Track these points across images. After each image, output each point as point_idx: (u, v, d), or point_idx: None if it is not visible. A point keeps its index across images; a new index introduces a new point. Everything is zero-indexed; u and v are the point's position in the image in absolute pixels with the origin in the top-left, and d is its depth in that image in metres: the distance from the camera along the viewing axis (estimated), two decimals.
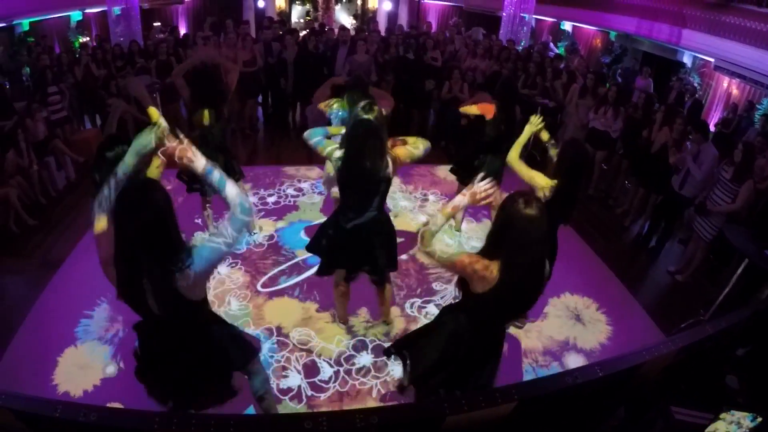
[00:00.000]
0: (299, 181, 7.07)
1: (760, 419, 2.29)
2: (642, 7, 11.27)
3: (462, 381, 2.80)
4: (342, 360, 4.06)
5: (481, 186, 2.44)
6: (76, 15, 12.86)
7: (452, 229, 5.85)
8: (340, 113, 4.78)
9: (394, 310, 4.55)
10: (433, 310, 4.63)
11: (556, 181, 3.56)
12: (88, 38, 12.77)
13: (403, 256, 5.27)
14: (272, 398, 3.21)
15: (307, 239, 5.55)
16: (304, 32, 10.49)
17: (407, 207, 6.44)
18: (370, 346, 4.21)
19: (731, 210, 4.97)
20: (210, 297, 3.79)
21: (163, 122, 2.64)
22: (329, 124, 4.92)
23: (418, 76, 8.49)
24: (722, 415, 2.33)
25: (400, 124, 8.68)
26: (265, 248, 5.48)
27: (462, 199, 2.49)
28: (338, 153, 3.32)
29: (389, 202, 5.72)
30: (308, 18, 17.65)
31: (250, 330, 4.29)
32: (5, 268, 5.26)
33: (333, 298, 4.46)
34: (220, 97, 4.85)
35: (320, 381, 3.86)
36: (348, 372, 3.96)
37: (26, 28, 11.43)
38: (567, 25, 14.31)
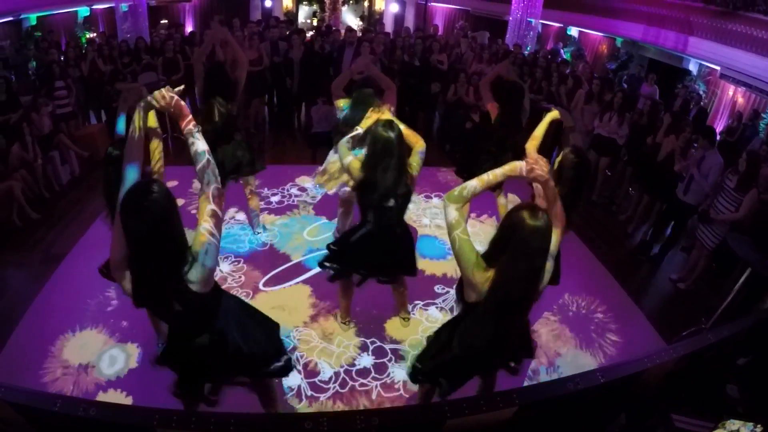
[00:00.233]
0: (303, 180, 7.06)
1: (760, 429, 2.28)
2: (649, 13, 11.28)
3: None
4: (342, 361, 4.06)
5: (532, 156, 2.36)
6: (83, 11, 12.91)
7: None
8: (344, 110, 4.80)
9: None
10: (434, 313, 4.63)
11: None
12: (95, 34, 12.81)
13: None
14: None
15: (310, 239, 5.62)
16: (311, 33, 10.51)
17: (411, 209, 6.42)
18: (371, 348, 4.20)
19: (735, 219, 4.96)
20: None
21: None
22: (336, 122, 4.93)
23: (424, 79, 8.49)
24: (722, 424, 2.32)
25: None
26: (269, 247, 5.47)
27: (510, 168, 2.40)
28: (362, 173, 3.42)
29: None
30: (315, 18, 17.70)
31: None
32: (7, 262, 5.27)
33: (335, 298, 4.47)
34: (231, 91, 4.88)
35: (320, 381, 3.86)
36: (348, 373, 3.95)
37: (34, 22, 11.48)
38: (573, 31, 14.32)
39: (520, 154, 4.75)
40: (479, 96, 8.18)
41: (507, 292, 2.37)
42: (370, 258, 3.73)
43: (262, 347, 2.69)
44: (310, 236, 5.71)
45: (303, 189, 6.83)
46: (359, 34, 9.91)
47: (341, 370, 3.97)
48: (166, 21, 14.24)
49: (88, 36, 12.53)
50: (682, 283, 5.50)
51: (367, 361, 4.08)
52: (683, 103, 8.97)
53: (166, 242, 2.09)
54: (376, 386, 3.86)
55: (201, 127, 2.36)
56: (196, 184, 5.90)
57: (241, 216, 5.93)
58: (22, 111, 6.67)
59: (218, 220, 2.23)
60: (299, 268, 5.15)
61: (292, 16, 16.58)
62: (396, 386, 3.86)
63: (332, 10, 15.90)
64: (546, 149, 3.91)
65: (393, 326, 4.44)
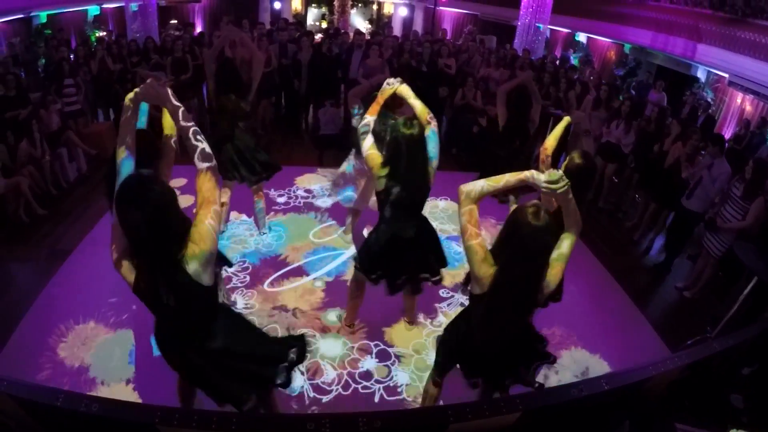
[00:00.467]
0: (309, 182, 7.07)
1: None
2: (657, 20, 11.27)
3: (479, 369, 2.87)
4: (346, 363, 4.05)
5: (553, 176, 2.34)
6: (93, 9, 13.01)
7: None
8: (356, 113, 4.81)
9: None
10: (438, 317, 4.62)
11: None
12: (104, 33, 12.88)
13: None
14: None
15: (316, 240, 5.62)
16: (319, 35, 10.54)
17: None
18: (375, 351, 4.19)
19: (741, 227, 4.92)
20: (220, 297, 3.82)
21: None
22: (347, 125, 4.98)
23: (432, 83, 8.50)
24: None
25: None
26: (274, 248, 5.48)
27: (524, 176, 2.38)
28: (383, 171, 3.41)
29: None
30: (324, 21, 17.75)
31: None
32: (13, 256, 5.30)
33: (340, 300, 4.46)
34: (244, 90, 4.89)
35: (323, 383, 3.85)
36: (351, 375, 3.94)
37: (44, 20, 11.57)
38: (582, 37, 14.31)
39: (528, 160, 4.77)
40: (487, 100, 8.20)
41: (507, 290, 2.41)
42: (402, 256, 3.67)
43: (257, 362, 2.65)
44: (316, 238, 5.70)
45: (309, 191, 6.83)
46: (368, 37, 9.93)
47: (344, 372, 3.96)
48: (175, 21, 14.32)
49: (97, 35, 12.61)
50: (687, 292, 5.47)
51: (370, 364, 4.06)
52: (691, 110, 8.95)
53: (163, 233, 2.09)
54: (379, 389, 3.85)
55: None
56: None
57: (247, 216, 5.94)
58: (31, 108, 6.71)
59: (218, 216, 2.24)
60: (304, 270, 5.14)
61: (300, 18, 16.64)
62: (399, 389, 3.85)
63: (341, 12, 15.94)
64: (555, 153, 3.90)
65: (397, 329, 4.43)
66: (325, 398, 3.73)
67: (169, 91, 2.32)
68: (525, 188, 4.61)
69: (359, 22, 18.46)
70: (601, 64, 13.55)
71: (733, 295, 4.87)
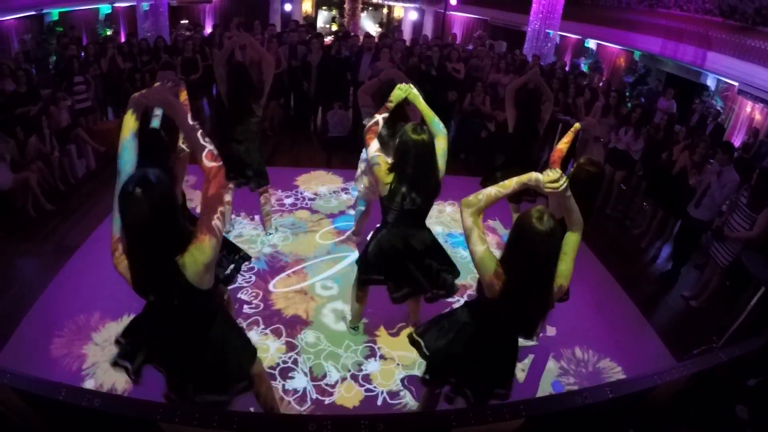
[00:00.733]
0: (316, 184, 7.07)
1: None
2: (667, 27, 11.23)
3: (471, 378, 2.85)
4: (350, 365, 4.04)
5: (551, 174, 2.36)
6: (105, 8, 13.10)
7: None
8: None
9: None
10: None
11: None
12: (112, 30, 12.98)
13: None
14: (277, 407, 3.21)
15: (323, 242, 5.62)
16: (329, 37, 10.57)
17: None
18: (379, 353, 4.18)
19: (748, 237, 4.89)
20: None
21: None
22: (355, 128, 4.99)
23: (440, 87, 8.49)
24: None
25: None
26: (280, 249, 5.48)
27: (527, 178, 2.39)
28: (389, 177, 3.38)
29: None
30: (334, 23, 17.80)
31: (259, 328, 4.31)
32: (20, 251, 5.33)
33: (345, 302, 4.46)
34: (256, 93, 4.93)
35: (326, 384, 3.84)
36: (355, 377, 3.93)
37: (55, 17, 11.66)
38: (591, 43, 14.28)
39: (535, 164, 4.75)
40: (496, 105, 8.19)
41: (518, 297, 2.41)
42: (405, 265, 3.64)
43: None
44: (323, 239, 5.70)
45: (317, 192, 6.84)
46: (376, 40, 9.95)
47: (348, 374, 3.95)
48: (186, 21, 14.40)
49: (108, 33, 12.71)
50: (694, 301, 5.43)
51: (374, 366, 4.05)
52: (700, 118, 8.90)
53: (164, 229, 2.09)
54: (382, 392, 3.83)
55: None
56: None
57: (254, 217, 5.95)
58: (41, 104, 6.76)
59: (224, 219, 2.23)
60: (310, 271, 5.14)
61: (311, 21, 16.69)
62: (402, 393, 3.83)
63: (351, 16, 15.99)
64: (563, 160, 3.89)
65: (402, 332, 4.41)
66: (327, 400, 3.72)
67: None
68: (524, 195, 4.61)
69: (369, 25, 18.51)
70: (610, 71, 13.52)
71: (740, 305, 4.84)
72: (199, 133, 2.27)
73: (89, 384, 3.66)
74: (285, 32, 9.88)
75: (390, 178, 3.38)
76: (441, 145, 3.40)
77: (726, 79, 10.18)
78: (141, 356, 2.60)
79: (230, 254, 3.64)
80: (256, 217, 5.91)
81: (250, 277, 4.96)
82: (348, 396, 3.77)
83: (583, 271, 4.43)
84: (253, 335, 4.17)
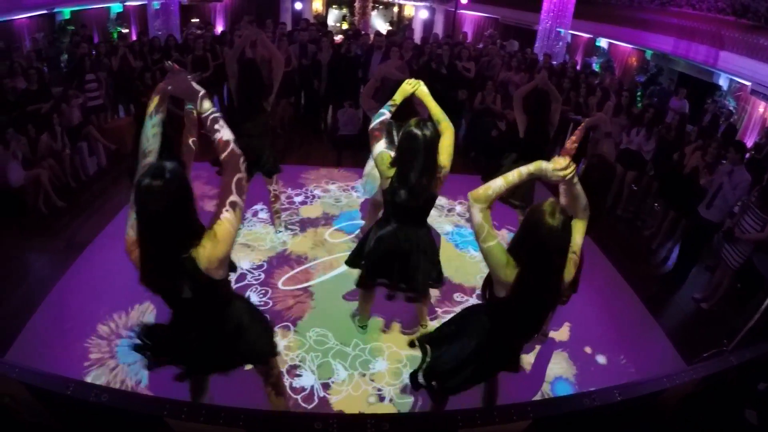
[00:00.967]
0: (326, 182, 7.08)
1: None
2: (679, 26, 11.13)
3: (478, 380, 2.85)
4: (357, 364, 4.04)
5: (560, 162, 2.35)
6: (116, 7, 13.18)
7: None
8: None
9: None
10: None
11: None
12: (126, 30, 13.06)
13: None
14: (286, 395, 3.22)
15: (332, 240, 5.63)
16: (339, 36, 10.56)
17: (433, 215, 6.36)
18: (387, 353, 4.17)
19: (759, 239, 4.83)
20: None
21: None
22: (365, 126, 4.97)
23: (451, 86, 8.47)
24: None
25: None
26: (289, 247, 5.49)
27: (535, 167, 2.38)
28: (391, 171, 3.36)
29: None
30: (344, 22, 17.80)
31: None
32: (31, 247, 5.39)
33: (354, 301, 4.46)
34: (266, 90, 4.95)
35: (333, 383, 3.84)
36: (362, 376, 3.93)
37: (67, 16, 11.76)
38: (603, 42, 14.18)
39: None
40: (506, 104, 8.15)
41: (530, 291, 2.41)
42: (392, 262, 3.63)
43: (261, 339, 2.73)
44: (332, 238, 5.71)
45: (326, 191, 6.84)
46: (379, 36, 9.90)
47: (356, 373, 3.95)
48: (197, 20, 14.46)
49: (119, 31, 12.79)
50: (705, 303, 5.38)
51: (382, 365, 4.05)
52: (712, 118, 8.81)
53: (179, 221, 2.09)
54: (390, 391, 3.83)
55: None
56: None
57: (264, 215, 5.96)
58: (53, 102, 6.81)
59: (239, 211, 2.23)
60: (319, 269, 5.15)
61: (322, 20, 16.71)
62: (410, 392, 3.82)
63: (362, 14, 15.97)
64: (575, 157, 3.87)
65: (412, 332, 4.39)
66: (334, 398, 3.72)
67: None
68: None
69: (379, 24, 18.49)
70: (622, 70, 13.43)
71: (752, 307, 4.78)
72: (216, 116, 2.30)
73: (97, 379, 3.69)
74: (296, 31, 9.89)
75: (392, 172, 3.36)
76: (447, 142, 3.35)
77: (739, 79, 10.07)
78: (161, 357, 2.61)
79: None
80: (266, 214, 5.93)
81: (259, 275, 4.97)
82: (355, 395, 3.77)
83: (593, 271, 4.40)
84: None
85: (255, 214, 6.00)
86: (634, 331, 4.82)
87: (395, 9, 19.26)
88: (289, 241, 5.58)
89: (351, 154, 7.92)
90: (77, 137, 6.91)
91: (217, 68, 8.78)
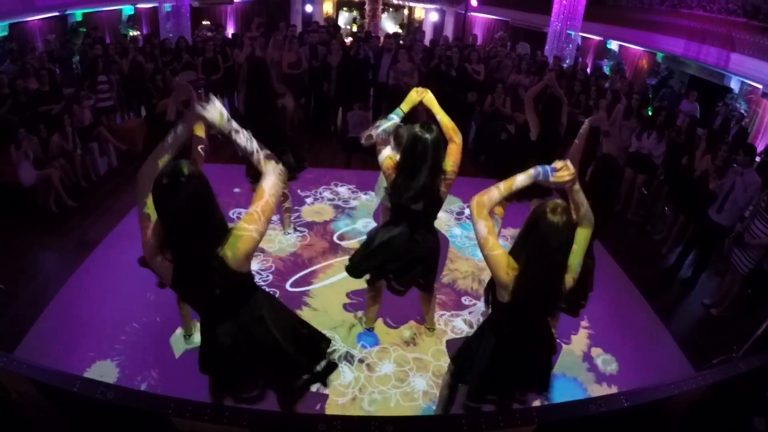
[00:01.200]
0: (336, 184, 7.09)
1: None
2: (690, 28, 11.05)
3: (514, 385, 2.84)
4: (364, 366, 4.04)
5: (558, 164, 2.35)
6: (128, 9, 13.28)
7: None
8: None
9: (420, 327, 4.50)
10: (460, 325, 4.57)
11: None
12: (138, 32, 13.15)
13: None
14: None
15: (341, 242, 5.64)
16: (349, 38, 10.58)
17: (442, 219, 6.37)
18: (393, 355, 4.16)
19: None
20: None
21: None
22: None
23: (460, 88, 8.45)
24: None
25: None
26: (298, 248, 5.50)
27: (527, 177, 2.39)
28: (391, 171, 3.37)
29: None
30: (355, 24, 17.83)
31: None
32: (42, 246, 5.44)
33: (361, 303, 4.47)
34: (273, 94, 5.01)
35: (339, 385, 3.84)
36: (368, 379, 3.93)
37: (79, 18, 11.87)
38: (613, 45, 14.11)
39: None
40: (516, 107, 8.12)
41: (531, 288, 2.41)
42: (395, 260, 3.64)
43: (300, 348, 2.68)
44: (340, 240, 5.71)
45: (335, 193, 6.85)
46: (389, 38, 9.90)
47: (362, 375, 3.95)
48: (208, 22, 14.55)
49: (131, 34, 12.88)
50: (715, 309, 5.32)
51: (388, 368, 4.04)
52: (723, 121, 8.73)
53: (202, 220, 2.09)
54: (395, 394, 3.82)
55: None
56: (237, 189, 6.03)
57: (273, 216, 5.97)
58: (64, 103, 6.88)
59: (268, 211, 2.27)
60: (327, 271, 5.15)
61: (332, 22, 16.76)
62: (415, 395, 3.81)
63: (372, 17, 15.99)
64: (584, 160, 3.85)
65: (417, 336, 4.39)
66: (340, 400, 3.72)
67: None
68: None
69: (390, 26, 18.51)
70: (633, 73, 13.34)
71: (762, 313, 4.73)
72: (249, 144, 2.32)
73: (102, 374, 3.72)
74: (306, 33, 9.93)
75: (395, 173, 3.38)
76: (454, 148, 3.37)
77: (750, 82, 9.98)
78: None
79: None
80: (274, 216, 5.94)
81: (268, 276, 4.99)
82: (361, 397, 3.76)
83: (602, 275, 4.37)
84: None
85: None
86: (643, 336, 4.78)
87: (405, 11, 19.27)
88: (297, 243, 5.59)
89: (360, 156, 7.93)
90: (88, 138, 6.97)
91: (227, 70, 8.83)
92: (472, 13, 16.19)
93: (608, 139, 5.20)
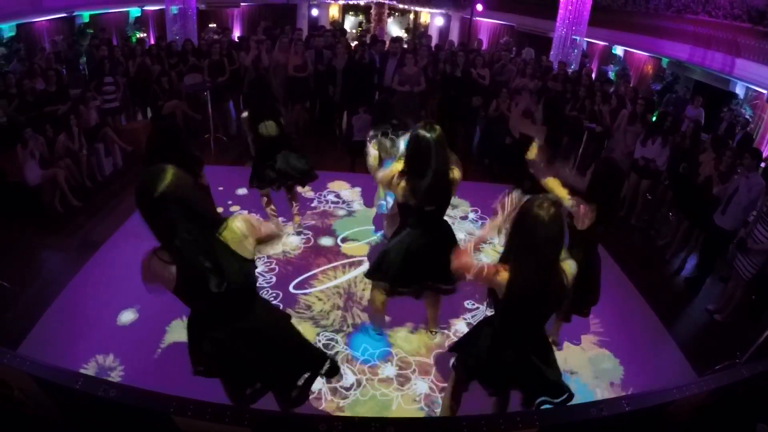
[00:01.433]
0: (340, 188, 7.10)
1: None
2: (695, 33, 11.03)
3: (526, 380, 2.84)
4: (366, 369, 4.04)
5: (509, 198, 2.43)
6: (134, 11, 13.35)
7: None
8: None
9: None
10: (462, 328, 4.54)
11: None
12: (144, 34, 13.22)
13: None
14: None
15: (344, 245, 5.64)
16: (355, 42, 10.60)
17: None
18: (396, 358, 4.16)
19: None
20: None
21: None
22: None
23: (465, 92, 8.46)
24: None
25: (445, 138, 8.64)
26: (301, 250, 5.52)
27: (493, 226, 2.55)
28: (402, 181, 3.38)
29: None
30: (360, 29, 17.88)
31: None
32: (46, 245, 5.48)
33: (363, 306, 4.48)
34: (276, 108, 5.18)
35: (342, 387, 3.84)
36: (371, 381, 3.92)
37: (86, 19, 11.95)
38: (619, 50, 14.09)
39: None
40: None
41: (522, 286, 2.43)
42: (421, 268, 3.66)
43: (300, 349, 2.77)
44: (344, 243, 5.72)
45: (339, 196, 6.86)
46: (395, 42, 9.93)
47: (364, 378, 3.95)
48: (214, 25, 14.61)
49: (138, 36, 12.95)
50: (718, 315, 5.29)
51: (390, 371, 4.04)
52: (728, 127, 8.70)
53: (195, 213, 2.17)
54: (397, 397, 3.82)
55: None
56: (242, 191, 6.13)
57: (280, 218, 5.98)
58: (71, 103, 6.92)
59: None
60: (330, 274, 5.16)
61: (338, 26, 16.82)
62: (417, 398, 3.80)
63: (378, 21, 16.03)
64: (587, 163, 3.87)
65: (420, 339, 4.39)
66: (342, 402, 3.72)
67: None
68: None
69: (396, 31, 18.55)
70: (638, 78, 13.33)
71: (765, 319, 4.71)
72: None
73: (108, 375, 3.72)
74: (312, 36, 9.96)
75: (403, 181, 3.37)
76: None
77: (755, 87, 9.94)
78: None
79: None
80: (280, 219, 5.95)
81: (271, 278, 5.00)
82: (363, 399, 3.76)
83: (606, 281, 4.35)
84: None
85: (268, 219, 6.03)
86: (646, 342, 4.76)
87: (411, 16, 19.31)
88: (301, 245, 5.60)
89: (365, 160, 7.93)
90: (94, 138, 7.02)
91: (233, 73, 8.86)
92: (477, 18, 16.21)
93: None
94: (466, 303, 4.91)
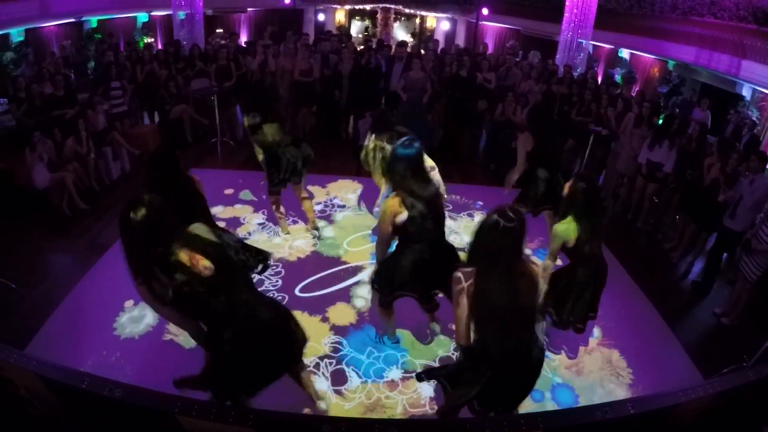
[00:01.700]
0: (346, 192, 7.11)
1: None
2: (701, 36, 10.97)
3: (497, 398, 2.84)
4: (371, 372, 4.04)
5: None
6: (142, 16, 13.45)
7: None
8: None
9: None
10: None
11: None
12: (152, 39, 13.31)
13: None
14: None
15: (350, 249, 5.65)
16: (360, 47, 10.63)
17: (451, 227, 6.35)
18: (401, 362, 4.16)
19: None
20: None
21: None
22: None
23: (471, 96, 8.46)
24: None
25: (451, 143, 8.65)
26: (307, 254, 5.53)
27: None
28: (397, 202, 3.40)
29: None
30: (366, 33, 17.94)
31: None
32: (54, 247, 5.53)
33: (371, 311, 4.51)
34: (278, 111, 5.18)
35: (347, 389, 3.85)
36: (375, 384, 3.93)
37: (94, 25, 12.06)
38: (625, 53, 14.06)
39: (568, 173, 4.73)
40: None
41: (487, 296, 2.46)
42: (425, 277, 3.67)
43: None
44: (350, 246, 5.73)
45: (346, 200, 6.87)
46: (400, 47, 9.95)
47: (369, 381, 3.95)
48: (221, 30, 14.69)
49: (145, 41, 13.04)
50: (726, 318, 5.26)
51: (395, 374, 4.04)
52: (735, 129, 8.65)
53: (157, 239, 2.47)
54: (402, 400, 3.81)
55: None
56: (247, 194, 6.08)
57: (288, 219, 6.03)
58: (79, 108, 6.98)
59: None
60: (336, 277, 5.17)
61: (345, 31, 16.88)
62: (422, 402, 3.80)
63: (384, 26, 16.07)
64: (593, 171, 3.87)
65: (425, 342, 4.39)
66: (347, 405, 3.72)
67: None
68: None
69: (402, 35, 18.59)
70: (644, 81, 13.29)
71: None
72: None
73: (114, 375, 3.74)
74: (319, 41, 9.99)
75: (398, 201, 3.39)
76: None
77: (762, 89, 9.89)
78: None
79: (256, 255, 3.72)
80: (288, 220, 5.97)
81: (277, 281, 5.02)
82: (368, 402, 3.77)
83: (612, 284, 4.34)
84: None
85: (262, 220, 6.12)
86: (652, 345, 4.74)
87: (417, 20, 19.35)
88: (307, 249, 5.61)
89: None
90: (102, 142, 7.07)
91: (240, 78, 8.90)
92: (483, 22, 16.21)
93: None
94: None
